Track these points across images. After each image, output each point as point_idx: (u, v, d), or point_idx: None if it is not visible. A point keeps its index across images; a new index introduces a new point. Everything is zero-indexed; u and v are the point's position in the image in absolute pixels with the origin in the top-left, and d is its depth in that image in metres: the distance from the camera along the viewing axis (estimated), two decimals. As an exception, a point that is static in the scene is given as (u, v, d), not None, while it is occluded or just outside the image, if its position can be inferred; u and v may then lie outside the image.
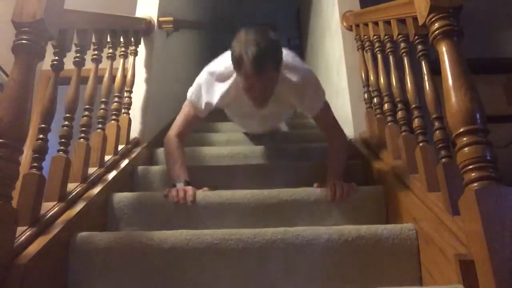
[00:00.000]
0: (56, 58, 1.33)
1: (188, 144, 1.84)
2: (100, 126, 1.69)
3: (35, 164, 1.19)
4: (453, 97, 0.91)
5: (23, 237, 1.01)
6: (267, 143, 2.14)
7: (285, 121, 2.33)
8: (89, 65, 1.60)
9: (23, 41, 1.02)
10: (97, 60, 1.68)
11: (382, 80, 1.76)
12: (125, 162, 1.76)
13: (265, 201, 1.43)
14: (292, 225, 1.25)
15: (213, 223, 1.39)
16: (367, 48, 1.97)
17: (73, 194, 1.32)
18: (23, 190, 1.11)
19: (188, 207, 1.42)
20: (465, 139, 0.88)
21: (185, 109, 1.67)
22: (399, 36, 1.50)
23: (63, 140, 1.35)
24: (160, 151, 2.06)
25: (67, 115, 1.39)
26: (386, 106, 1.70)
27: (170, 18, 2.46)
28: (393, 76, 1.61)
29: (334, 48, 2.53)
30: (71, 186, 1.35)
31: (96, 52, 1.68)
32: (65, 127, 1.37)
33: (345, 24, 2.27)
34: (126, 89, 2.00)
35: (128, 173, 1.75)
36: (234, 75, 1.48)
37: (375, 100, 1.87)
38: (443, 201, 1.10)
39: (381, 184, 1.52)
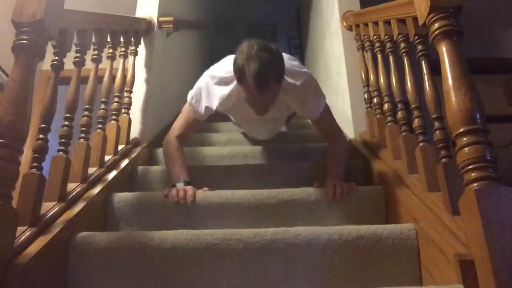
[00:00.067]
0: (56, 58, 1.33)
1: (188, 144, 1.84)
2: (100, 126, 1.69)
3: (35, 164, 1.19)
4: (453, 97, 0.91)
5: (23, 237, 1.01)
6: (267, 143, 2.14)
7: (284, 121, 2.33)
8: (89, 65, 1.60)
9: (23, 41, 1.02)
10: (97, 60, 1.68)
11: (382, 80, 1.76)
12: (125, 162, 1.77)
13: (265, 201, 1.43)
14: (292, 225, 1.25)
15: (213, 223, 1.40)
16: (367, 48, 1.97)
17: (73, 194, 1.32)
18: (23, 190, 1.11)
19: (188, 207, 1.42)
20: (465, 139, 0.88)
21: (185, 112, 1.66)
22: (399, 36, 1.50)
23: (63, 140, 1.35)
24: (160, 151, 2.06)
25: (67, 115, 1.39)
26: (386, 106, 1.71)
27: (170, 18, 2.46)
28: (393, 76, 1.61)
29: (334, 48, 2.53)
30: (71, 186, 1.35)
31: (96, 52, 1.68)
32: (65, 127, 1.37)
33: (345, 24, 2.27)
34: (126, 89, 2.00)
35: (128, 173, 1.75)
36: (235, 81, 1.48)
37: (375, 100, 1.87)
38: (443, 201, 1.10)
39: (381, 184, 1.52)
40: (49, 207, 1.19)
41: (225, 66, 1.56)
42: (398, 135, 1.53)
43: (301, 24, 5.05)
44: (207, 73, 1.62)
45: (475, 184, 0.85)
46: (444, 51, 0.97)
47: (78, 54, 1.49)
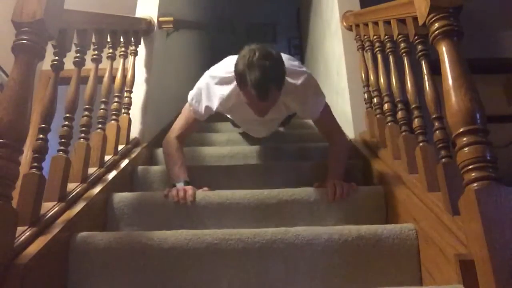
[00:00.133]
0: (56, 58, 1.33)
1: (188, 144, 1.84)
2: (100, 126, 1.69)
3: (35, 164, 1.19)
4: (453, 97, 0.91)
5: (23, 237, 1.01)
6: (267, 143, 2.15)
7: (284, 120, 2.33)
8: (89, 65, 1.60)
9: (23, 41, 1.01)
10: (97, 60, 1.68)
11: (382, 80, 1.76)
12: (125, 162, 1.77)
13: (265, 201, 1.43)
14: (292, 225, 1.25)
15: (213, 223, 1.40)
16: (367, 48, 1.97)
17: (73, 194, 1.32)
18: (23, 190, 1.11)
19: (188, 207, 1.42)
20: (465, 139, 0.88)
21: (185, 112, 1.67)
22: (399, 36, 1.50)
23: (63, 140, 1.35)
24: (160, 151, 2.06)
25: (67, 115, 1.39)
26: (386, 106, 1.71)
27: (170, 18, 2.46)
28: (393, 76, 1.61)
29: (334, 48, 2.53)
30: (71, 186, 1.35)
31: (96, 52, 1.68)
32: (65, 127, 1.37)
33: (345, 24, 2.27)
34: (126, 89, 2.00)
35: (128, 173, 1.76)
36: (235, 81, 1.48)
37: (375, 100, 1.87)
38: (443, 201, 1.10)
39: (381, 184, 1.52)
40: (49, 207, 1.19)
41: (226, 66, 1.56)
42: (398, 135, 1.53)
43: (301, 24, 5.06)
44: (208, 74, 1.62)
45: (475, 184, 0.85)
46: (444, 51, 0.97)
47: (78, 54, 1.49)
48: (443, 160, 1.14)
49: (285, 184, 1.56)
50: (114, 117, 1.85)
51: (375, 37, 1.85)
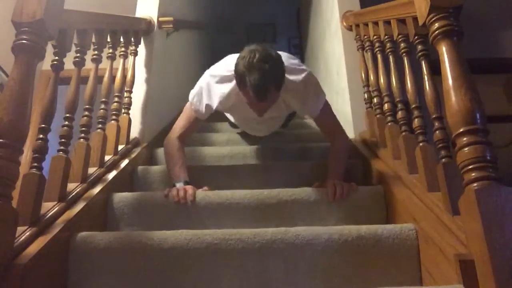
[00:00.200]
0: (56, 58, 1.33)
1: (188, 144, 1.84)
2: (100, 126, 1.69)
3: (35, 164, 1.19)
4: (453, 97, 0.91)
5: (23, 237, 1.01)
6: (266, 143, 2.15)
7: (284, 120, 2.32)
8: (89, 65, 1.60)
9: (23, 41, 1.02)
10: (97, 60, 1.68)
11: (382, 80, 1.76)
12: (125, 162, 1.77)
13: (265, 201, 1.43)
14: (292, 225, 1.25)
15: (213, 223, 1.40)
16: (367, 48, 1.97)
17: (73, 194, 1.32)
18: (23, 190, 1.11)
19: (188, 207, 1.42)
20: (465, 139, 0.88)
21: (187, 111, 1.67)
22: (399, 36, 1.50)
23: (63, 140, 1.35)
24: (160, 151, 2.07)
25: (67, 115, 1.39)
26: (386, 106, 1.71)
27: (170, 18, 2.46)
28: (393, 76, 1.61)
29: (334, 48, 2.53)
30: (71, 186, 1.35)
31: (96, 52, 1.68)
32: (65, 127, 1.37)
33: (345, 24, 2.27)
34: (126, 89, 2.00)
35: (128, 173, 1.75)
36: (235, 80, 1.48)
37: (375, 100, 1.87)
38: (443, 201, 1.10)
39: (381, 184, 1.52)
40: (49, 207, 1.19)
41: (226, 65, 1.57)
42: (398, 135, 1.53)
43: (301, 24, 5.06)
44: (208, 72, 1.63)
45: (475, 184, 0.85)
46: (444, 51, 0.97)
47: (78, 54, 1.49)
48: (443, 160, 1.14)
49: (285, 184, 1.56)
50: (114, 117, 1.85)
51: (375, 37, 1.84)
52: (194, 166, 1.76)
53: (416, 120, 1.37)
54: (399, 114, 1.55)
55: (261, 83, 1.33)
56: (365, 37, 1.99)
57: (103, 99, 1.76)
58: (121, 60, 2.02)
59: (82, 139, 1.49)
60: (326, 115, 1.65)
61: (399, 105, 1.56)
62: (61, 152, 1.33)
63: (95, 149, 1.58)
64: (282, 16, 6.35)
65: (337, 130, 1.69)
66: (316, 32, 3.46)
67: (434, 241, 1.03)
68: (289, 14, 6.00)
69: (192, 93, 1.64)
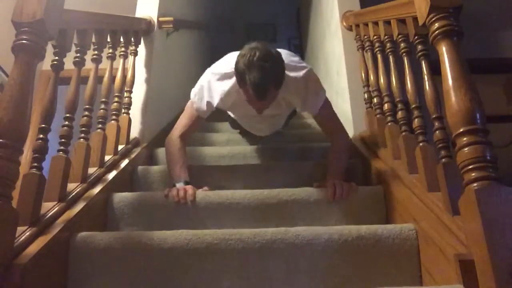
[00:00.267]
0: (56, 58, 1.33)
1: (188, 144, 1.84)
2: (100, 126, 1.69)
3: (35, 164, 1.19)
4: (453, 97, 0.91)
5: (23, 237, 1.01)
6: (267, 143, 2.14)
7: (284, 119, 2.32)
8: (89, 65, 1.60)
9: (23, 41, 1.02)
10: (97, 60, 1.68)
11: (382, 80, 1.76)
12: (125, 162, 1.77)
13: (265, 201, 1.43)
14: (292, 225, 1.25)
15: (213, 223, 1.40)
16: (367, 48, 1.97)
17: (73, 194, 1.32)
18: (23, 190, 1.11)
19: (188, 207, 1.42)
20: (465, 139, 0.88)
21: (188, 110, 1.67)
22: (399, 36, 1.50)
23: (63, 140, 1.35)
24: (160, 151, 2.07)
25: (67, 115, 1.39)
26: (386, 106, 1.70)
27: (170, 18, 2.46)
28: (393, 76, 1.61)
29: (334, 48, 2.53)
30: (71, 186, 1.35)
31: (96, 52, 1.68)
32: (65, 127, 1.37)
33: (345, 24, 2.27)
34: (126, 89, 2.00)
35: (128, 173, 1.76)
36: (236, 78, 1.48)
37: (375, 100, 1.87)
38: (443, 201, 1.10)
39: (381, 184, 1.52)
40: (49, 207, 1.19)
41: (227, 62, 1.57)
42: (398, 135, 1.53)
43: (301, 24, 5.06)
44: (209, 70, 1.64)
45: (475, 184, 0.85)
46: (444, 51, 0.97)
47: (78, 54, 1.49)
48: (443, 160, 1.14)
49: (285, 184, 1.56)
50: (114, 117, 1.85)
51: (375, 37, 1.84)
52: (194, 166, 1.76)
53: (416, 120, 1.37)
54: (399, 114, 1.55)
55: (261, 82, 1.34)
56: (365, 37, 1.99)
57: (103, 99, 1.76)
58: (121, 60, 2.02)
59: (82, 139, 1.49)
60: (326, 113, 1.65)
61: (399, 105, 1.56)
62: (61, 152, 1.33)
63: (95, 149, 1.58)
64: (282, 16, 6.36)
65: (338, 128, 1.69)
66: (316, 32, 3.46)
67: (434, 241, 1.03)
68: (289, 14, 6.00)
69: (193, 91, 1.65)
